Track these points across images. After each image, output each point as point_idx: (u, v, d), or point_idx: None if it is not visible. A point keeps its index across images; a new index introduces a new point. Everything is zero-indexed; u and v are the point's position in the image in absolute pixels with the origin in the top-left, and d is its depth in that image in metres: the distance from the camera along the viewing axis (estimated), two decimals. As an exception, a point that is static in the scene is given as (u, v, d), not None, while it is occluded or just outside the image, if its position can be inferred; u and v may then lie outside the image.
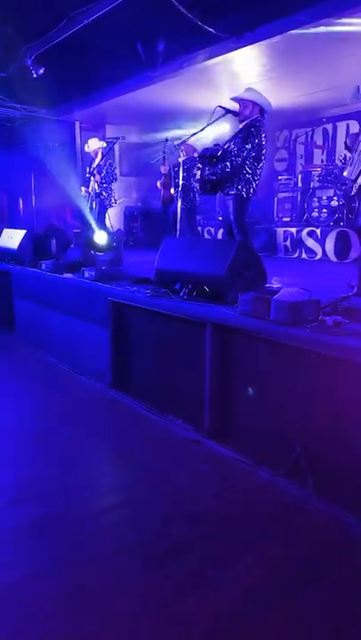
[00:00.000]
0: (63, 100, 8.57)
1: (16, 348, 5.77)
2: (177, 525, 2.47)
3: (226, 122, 5.66)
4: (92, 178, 7.25)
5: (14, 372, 4.97)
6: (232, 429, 3.26)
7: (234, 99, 4.62)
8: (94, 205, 7.15)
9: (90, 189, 7.28)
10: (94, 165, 7.30)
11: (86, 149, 7.65)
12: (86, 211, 7.25)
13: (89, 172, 7.36)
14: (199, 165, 4.88)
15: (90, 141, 7.57)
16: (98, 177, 7.15)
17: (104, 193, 7.17)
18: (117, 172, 7.53)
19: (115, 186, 7.39)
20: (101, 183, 7.14)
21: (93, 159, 7.46)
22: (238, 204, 4.58)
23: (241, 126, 4.56)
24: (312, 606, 1.96)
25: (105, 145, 7.42)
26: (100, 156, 7.30)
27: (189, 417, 3.53)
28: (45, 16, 6.20)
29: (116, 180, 7.41)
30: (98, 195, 7.17)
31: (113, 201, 7.34)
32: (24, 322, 5.97)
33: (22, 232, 6.34)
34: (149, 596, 2.02)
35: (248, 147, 4.43)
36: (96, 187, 7.16)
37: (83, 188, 7.41)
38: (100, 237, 6.12)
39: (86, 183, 7.40)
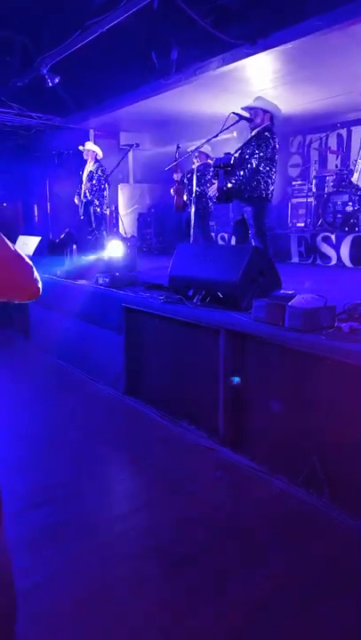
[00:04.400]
0: (78, 108, 8.65)
1: (31, 353, 5.81)
2: (191, 534, 2.45)
3: (235, 130, 5.67)
4: (82, 184, 7.10)
5: (29, 378, 5.00)
6: (247, 437, 3.24)
7: (245, 108, 4.73)
8: (93, 210, 7.04)
9: (81, 197, 7.13)
10: (86, 172, 7.16)
11: (80, 148, 7.40)
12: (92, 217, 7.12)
13: (82, 179, 7.19)
14: (214, 179, 4.90)
15: (87, 143, 7.41)
16: (88, 184, 7.04)
17: (96, 201, 7.01)
18: (108, 179, 7.24)
19: (107, 193, 7.20)
20: (92, 190, 7.00)
21: (85, 164, 7.26)
22: (259, 206, 4.60)
23: (254, 133, 4.68)
24: (328, 618, 1.93)
25: (100, 153, 7.22)
26: (90, 161, 7.14)
27: (203, 424, 3.51)
28: (60, 26, 6.28)
29: (108, 188, 7.23)
30: (90, 202, 7.04)
31: (105, 208, 7.17)
32: (39, 328, 6.01)
33: (37, 239, 6.39)
34: (164, 606, 2.00)
35: (262, 152, 4.54)
36: (87, 194, 7.04)
37: (76, 197, 7.28)
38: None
39: (78, 191, 7.24)
